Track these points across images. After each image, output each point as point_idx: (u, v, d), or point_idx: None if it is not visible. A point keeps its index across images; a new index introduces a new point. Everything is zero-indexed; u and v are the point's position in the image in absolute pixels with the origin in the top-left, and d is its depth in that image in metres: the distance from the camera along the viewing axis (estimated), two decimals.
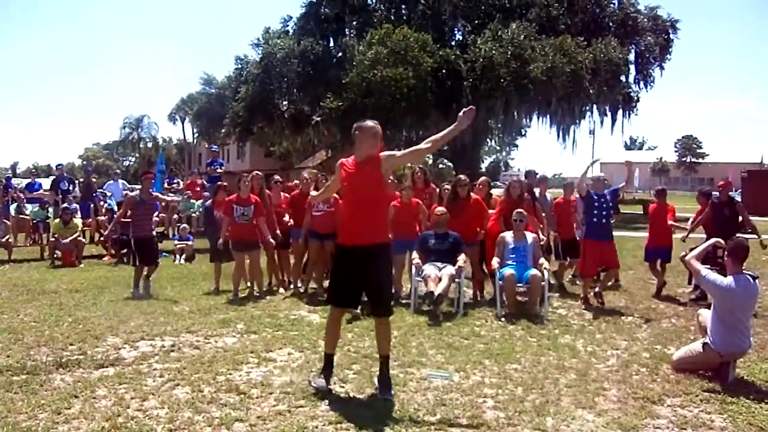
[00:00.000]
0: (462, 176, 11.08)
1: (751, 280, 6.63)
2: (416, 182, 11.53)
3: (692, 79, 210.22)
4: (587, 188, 10.11)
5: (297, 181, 12.65)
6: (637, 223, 23.39)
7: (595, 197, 10.07)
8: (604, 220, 10.04)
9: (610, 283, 10.99)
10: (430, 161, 42.56)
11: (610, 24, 35.77)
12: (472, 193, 10.72)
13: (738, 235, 8.44)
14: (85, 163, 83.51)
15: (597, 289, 10.31)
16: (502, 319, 9.02)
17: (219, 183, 12.49)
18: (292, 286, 11.51)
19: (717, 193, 11.36)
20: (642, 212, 30.43)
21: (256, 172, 11.95)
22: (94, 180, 21.15)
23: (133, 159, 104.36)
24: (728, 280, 6.61)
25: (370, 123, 6.14)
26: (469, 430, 5.11)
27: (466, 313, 9.41)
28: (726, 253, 6.84)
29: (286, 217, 11.19)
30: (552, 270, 11.01)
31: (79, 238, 15.82)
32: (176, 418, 5.21)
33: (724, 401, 5.85)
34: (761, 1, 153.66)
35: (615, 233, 10.61)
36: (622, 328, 8.72)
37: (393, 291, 10.48)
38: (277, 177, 12.86)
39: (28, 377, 6.25)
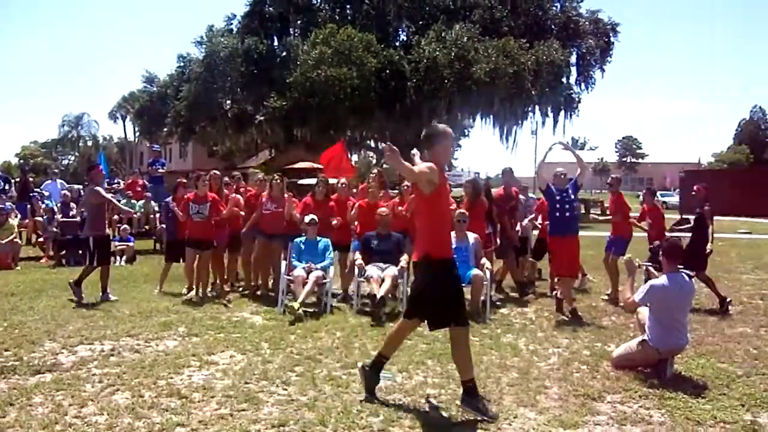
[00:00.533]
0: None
1: (687, 278, 6.79)
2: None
3: (632, 81, 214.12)
4: (548, 182, 9.80)
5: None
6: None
7: (556, 192, 9.70)
8: (567, 214, 9.68)
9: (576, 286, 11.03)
10: (374, 161, 42.63)
11: (553, 27, 36.31)
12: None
13: (673, 235, 8.64)
14: (22, 161, 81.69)
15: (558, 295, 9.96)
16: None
17: (179, 180, 12.32)
18: (240, 289, 11.57)
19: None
20: (584, 212, 30.93)
21: (215, 171, 11.95)
22: (31, 179, 20.72)
23: (73, 158, 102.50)
24: (662, 280, 6.77)
25: (447, 128, 5.86)
26: (413, 431, 5.11)
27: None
28: (661, 252, 7.00)
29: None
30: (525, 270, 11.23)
31: (15, 240, 15.46)
32: (116, 424, 5.12)
33: (662, 396, 5.98)
34: (698, 4, 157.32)
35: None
36: (563, 327, 8.86)
37: (339, 291, 10.59)
38: (226, 178, 12.84)
39: None
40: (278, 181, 11.11)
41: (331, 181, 11.98)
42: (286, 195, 10.93)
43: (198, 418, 5.29)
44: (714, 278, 10.64)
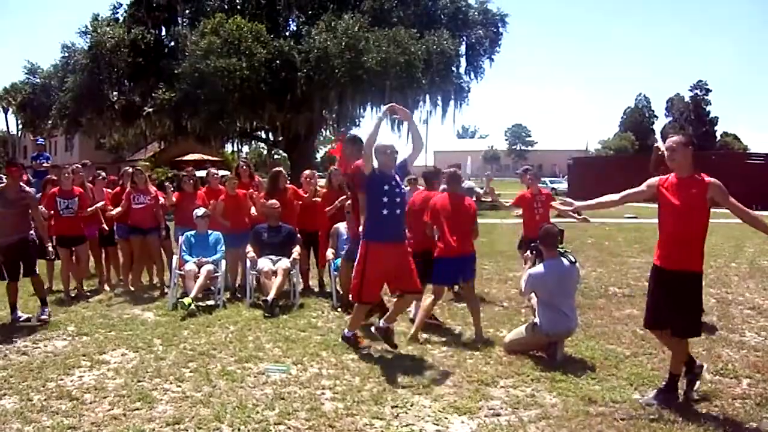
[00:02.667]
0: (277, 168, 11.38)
1: (567, 263, 7.04)
2: (241, 175, 11.37)
3: (521, 70, 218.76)
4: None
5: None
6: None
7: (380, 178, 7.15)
8: (398, 211, 7.16)
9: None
10: (265, 152, 42.35)
11: (442, 17, 36.59)
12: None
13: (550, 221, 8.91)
14: None
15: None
16: (338, 309, 9.17)
17: (47, 177, 11.90)
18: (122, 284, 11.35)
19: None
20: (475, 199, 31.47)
21: (76, 165, 11.58)
22: None
23: None
24: (538, 269, 7.05)
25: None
26: (309, 422, 5.20)
27: (302, 305, 9.51)
28: (539, 241, 7.26)
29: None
30: None
31: None
32: (4, 430, 5.04)
33: (553, 379, 6.21)
34: None
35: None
36: (455, 314, 9.04)
37: (230, 284, 10.55)
38: (101, 172, 12.50)
39: None
40: (139, 172, 11.08)
41: (222, 173, 11.94)
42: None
43: (90, 419, 5.24)
44: (602, 261, 10.96)
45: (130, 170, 11.39)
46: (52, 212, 10.25)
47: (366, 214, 7.15)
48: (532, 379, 6.27)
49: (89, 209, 10.59)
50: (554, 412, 5.42)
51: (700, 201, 5.33)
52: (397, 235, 7.07)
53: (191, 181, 11.33)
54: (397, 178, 7.11)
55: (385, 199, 6.92)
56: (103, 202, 11.03)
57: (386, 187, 6.95)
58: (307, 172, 11.18)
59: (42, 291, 9.16)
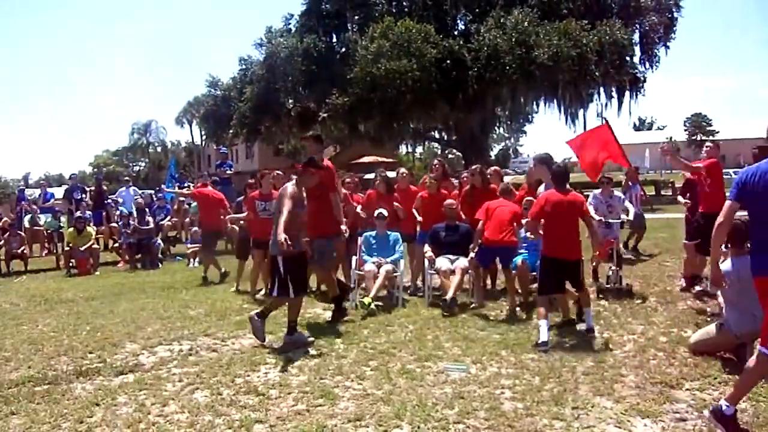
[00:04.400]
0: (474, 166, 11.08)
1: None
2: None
3: (697, 58, 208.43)
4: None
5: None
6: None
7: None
8: None
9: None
10: (439, 151, 42.56)
11: (613, 5, 35.48)
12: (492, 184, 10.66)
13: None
14: (96, 170, 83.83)
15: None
16: (517, 308, 8.99)
17: (249, 182, 12.46)
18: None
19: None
20: (654, 193, 30.40)
21: (278, 171, 12.05)
22: (105, 187, 21.28)
23: (143, 164, 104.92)
24: (725, 266, 6.55)
25: None
26: (488, 422, 5.11)
27: (482, 304, 9.40)
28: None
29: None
30: None
31: (94, 246, 15.90)
32: (197, 422, 5.26)
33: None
34: None
35: None
36: (637, 313, 8.68)
37: (410, 284, 10.56)
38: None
39: (50, 387, 6.32)
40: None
41: (390, 174, 11.89)
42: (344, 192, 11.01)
43: (276, 414, 5.39)
44: None
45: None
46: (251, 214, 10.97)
47: None
48: (719, 381, 5.92)
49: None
50: (744, 418, 5.05)
51: None
52: None
53: (383, 181, 11.14)
54: None
55: None
56: None
57: None
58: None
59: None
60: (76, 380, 6.52)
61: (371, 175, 13.51)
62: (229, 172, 20.46)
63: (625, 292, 9.71)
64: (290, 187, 7.75)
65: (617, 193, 11.82)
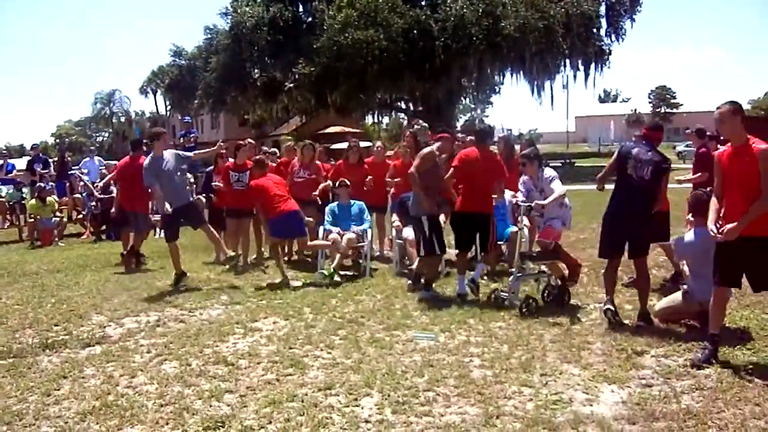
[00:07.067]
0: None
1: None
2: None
3: (662, 31, 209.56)
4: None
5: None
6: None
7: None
8: None
9: None
10: (405, 122, 42.49)
11: None
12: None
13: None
14: (58, 141, 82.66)
15: None
16: (485, 277, 9.03)
17: (220, 152, 12.24)
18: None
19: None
20: None
21: (250, 140, 11.98)
22: (68, 158, 20.99)
23: (107, 134, 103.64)
24: (688, 237, 6.70)
25: None
26: (458, 389, 5.14)
27: (449, 273, 9.37)
28: (688, 208, 6.92)
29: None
30: None
31: (62, 217, 15.72)
32: (166, 393, 5.22)
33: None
34: None
35: None
36: (602, 282, 8.72)
37: (377, 252, 10.59)
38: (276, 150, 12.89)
39: (15, 360, 6.23)
40: (310, 147, 11.19)
41: (364, 144, 11.92)
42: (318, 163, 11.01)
43: (246, 383, 5.38)
44: None
45: (290, 143, 11.78)
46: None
47: None
48: (684, 349, 5.98)
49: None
50: (708, 383, 5.15)
51: None
52: None
53: (355, 152, 11.13)
54: None
55: None
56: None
57: None
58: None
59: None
60: (42, 353, 6.43)
61: (339, 146, 13.49)
62: (193, 138, 20.16)
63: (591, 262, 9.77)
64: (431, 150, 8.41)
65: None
